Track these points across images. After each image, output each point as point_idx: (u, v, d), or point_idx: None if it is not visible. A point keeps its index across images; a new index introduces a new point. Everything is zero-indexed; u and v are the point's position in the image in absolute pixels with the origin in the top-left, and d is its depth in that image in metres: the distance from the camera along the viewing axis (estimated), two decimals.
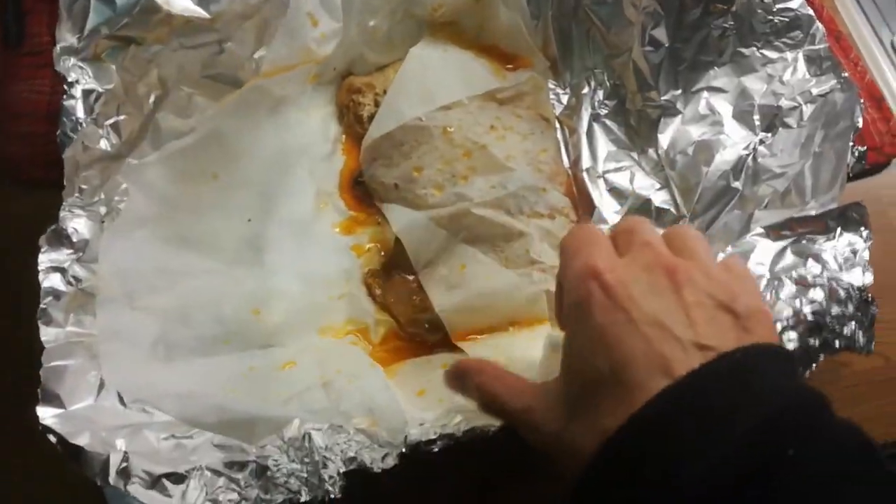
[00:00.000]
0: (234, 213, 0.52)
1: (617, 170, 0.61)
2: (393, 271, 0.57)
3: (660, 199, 0.59)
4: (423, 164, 0.58)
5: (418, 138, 0.59)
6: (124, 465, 0.38)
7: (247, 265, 0.51)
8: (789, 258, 0.49)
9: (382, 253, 0.59)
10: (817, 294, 0.45)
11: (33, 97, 0.61)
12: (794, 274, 0.47)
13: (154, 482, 0.38)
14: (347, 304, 0.53)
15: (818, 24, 0.54)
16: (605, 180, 0.61)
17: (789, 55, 0.56)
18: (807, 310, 0.44)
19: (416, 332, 0.56)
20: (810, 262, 0.47)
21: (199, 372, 0.46)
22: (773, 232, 0.51)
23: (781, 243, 0.50)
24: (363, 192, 0.61)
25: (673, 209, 0.59)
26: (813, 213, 0.49)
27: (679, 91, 0.60)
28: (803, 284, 0.46)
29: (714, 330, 0.30)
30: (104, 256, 0.46)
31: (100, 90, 0.48)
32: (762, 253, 0.50)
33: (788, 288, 0.47)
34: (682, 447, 0.27)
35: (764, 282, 0.48)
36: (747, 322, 0.31)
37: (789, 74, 0.55)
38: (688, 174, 0.58)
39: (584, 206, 0.61)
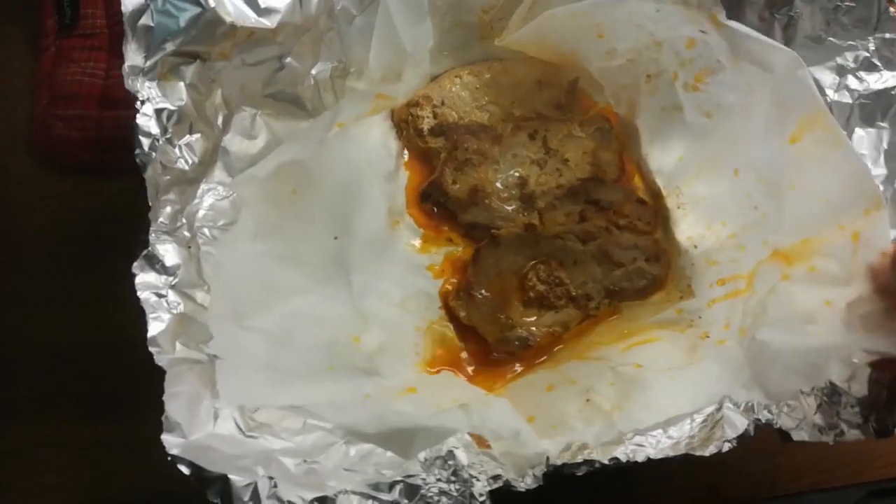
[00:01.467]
0: (319, 230, 0.51)
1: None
2: (473, 290, 0.55)
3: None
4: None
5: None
6: (274, 490, 0.37)
7: (336, 285, 0.50)
8: None
9: (455, 276, 0.57)
10: None
11: (86, 80, 0.59)
12: None
13: None
14: (433, 337, 0.54)
15: (890, 8, 0.54)
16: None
17: (860, 43, 0.55)
18: None
19: (507, 351, 0.53)
20: None
21: (315, 398, 0.44)
22: None
23: None
24: (430, 208, 0.58)
25: None
26: None
27: None
28: None
29: None
30: (216, 272, 0.45)
31: (171, 108, 0.45)
32: None
33: None
34: None
35: None
36: None
37: (863, 70, 0.54)
38: None
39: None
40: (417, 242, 0.57)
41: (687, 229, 0.56)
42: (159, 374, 0.39)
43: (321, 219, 0.52)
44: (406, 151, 0.60)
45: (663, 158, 0.57)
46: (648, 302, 0.54)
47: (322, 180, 0.53)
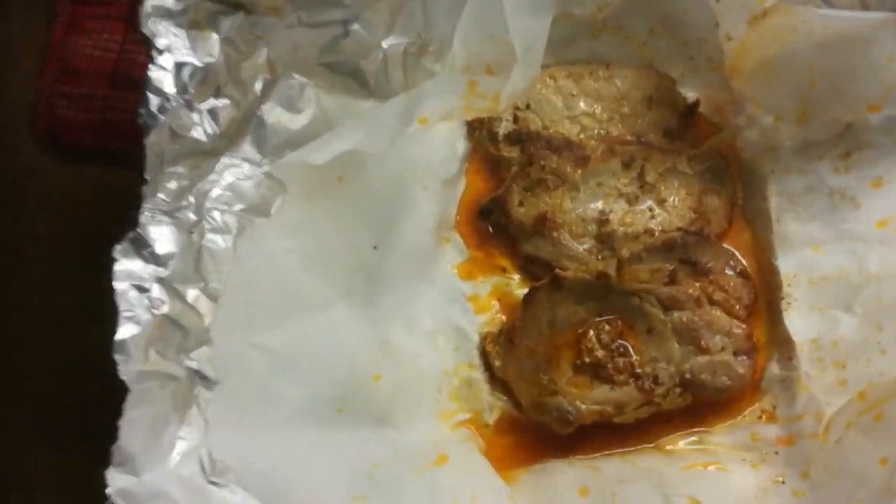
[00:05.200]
0: (358, 233, 0.46)
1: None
2: (517, 338, 0.46)
3: None
4: None
5: None
6: None
7: (362, 303, 0.45)
8: None
9: (501, 314, 0.49)
10: None
11: (97, 54, 0.54)
12: None
13: None
14: (459, 382, 0.47)
15: None
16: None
17: None
18: None
19: (542, 420, 0.45)
20: None
21: (315, 455, 0.39)
22: None
23: None
24: (487, 228, 0.51)
25: None
26: None
27: None
28: None
29: None
30: (234, 270, 0.40)
31: (197, 64, 0.38)
32: None
33: None
34: None
35: None
36: None
37: None
38: None
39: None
40: (462, 266, 0.50)
41: (790, 333, 0.47)
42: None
43: (363, 219, 0.46)
44: (471, 156, 0.53)
45: (795, 235, 0.48)
46: (724, 412, 0.47)
47: (373, 172, 0.46)
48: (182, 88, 0.38)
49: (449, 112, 0.44)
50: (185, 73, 0.38)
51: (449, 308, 0.48)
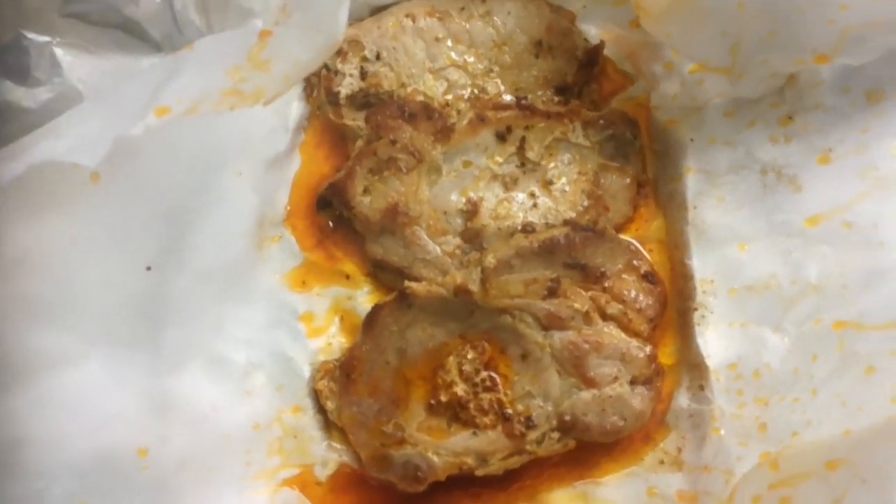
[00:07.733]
0: (123, 252, 0.35)
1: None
2: (355, 372, 0.37)
3: None
4: None
5: None
6: None
7: (129, 351, 0.34)
8: None
9: (342, 337, 0.39)
10: None
11: None
12: None
13: None
14: (283, 431, 0.38)
15: None
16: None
17: None
18: None
19: (385, 478, 0.36)
20: None
21: None
22: None
23: None
24: (327, 222, 0.41)
25: None
26: None
27: None
28: None
29: None
30: None
31: None
32: None
33: None
34: None
35: None
36: None
37: None
38: None
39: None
40: (293, 274, 0.40)
41: (703, 355, 0.37)
42: None
43: (131, 232, 0.35)
44: (309, 123, 0.42)
45: (715, 227, 0.38)
46: (617, 456, 0.38)
47: (148, 162, 0.35)
48: None
49: (201, 98, 0.32)
50: None
51: (272, 332, 0.38)
